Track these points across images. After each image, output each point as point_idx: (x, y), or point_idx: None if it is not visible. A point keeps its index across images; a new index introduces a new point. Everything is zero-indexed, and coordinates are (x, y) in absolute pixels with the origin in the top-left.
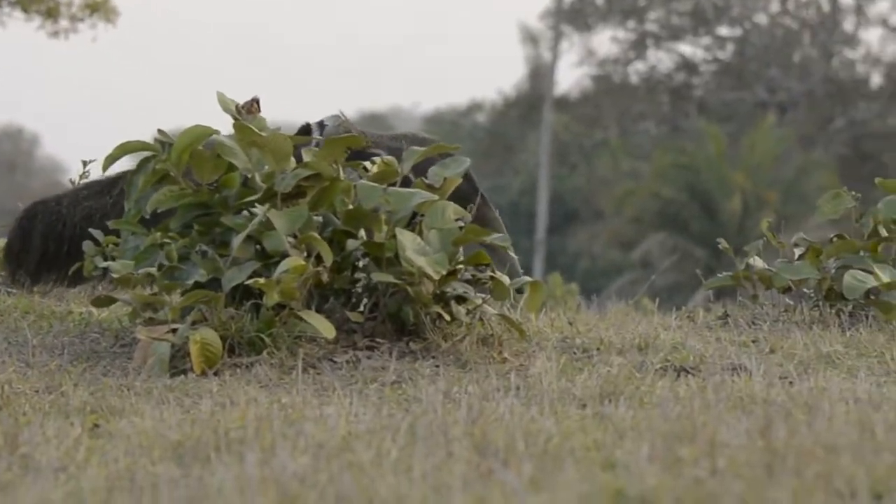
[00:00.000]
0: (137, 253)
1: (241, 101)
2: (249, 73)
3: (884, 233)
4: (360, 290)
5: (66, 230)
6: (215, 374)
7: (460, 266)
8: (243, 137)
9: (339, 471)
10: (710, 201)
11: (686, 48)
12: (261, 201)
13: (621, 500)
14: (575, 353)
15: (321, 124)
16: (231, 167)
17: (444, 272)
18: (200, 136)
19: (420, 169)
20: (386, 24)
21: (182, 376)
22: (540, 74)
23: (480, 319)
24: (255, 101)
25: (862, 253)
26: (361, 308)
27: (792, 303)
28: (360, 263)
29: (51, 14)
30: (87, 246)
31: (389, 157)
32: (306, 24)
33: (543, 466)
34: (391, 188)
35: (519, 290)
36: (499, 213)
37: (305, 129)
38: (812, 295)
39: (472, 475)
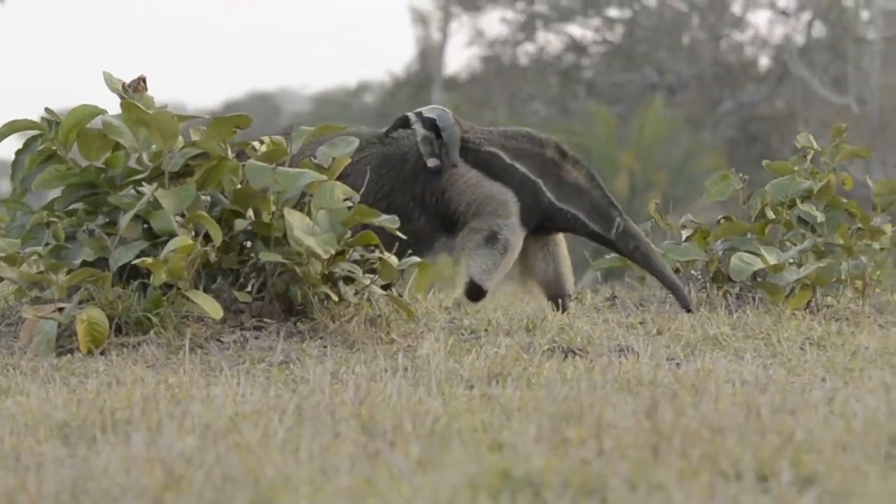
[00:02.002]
0: (24, 232)
1: (128, 80)
2: (136, 53)
3: (771, 215)
4: (248, 269)
5: None
6: (102, 353)
7: (348, 246)
8: (131, 116)
9: (225, 451)
10: None
11: (575, 29)
12: (148, 180)
13: (508, 481)
14: (463, 334)
15: (420, 115)
16: (118, 146)
17: (333, 252)
18: (88, 116)
19: None
20: (274, 4)
21: (68, 355)
22: (429, 55)
23: (368, 300)
24: (142, 79)
25: (749, 235)
26: (249, 288)
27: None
28: (249, 243)
29: None
30: None
31: (279, 138)
32: (195, 4)
33: (431, 447)
34: (280, 168)
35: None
36: None
37: (403, 121)
38: (699, 277)
39: (359, 456)
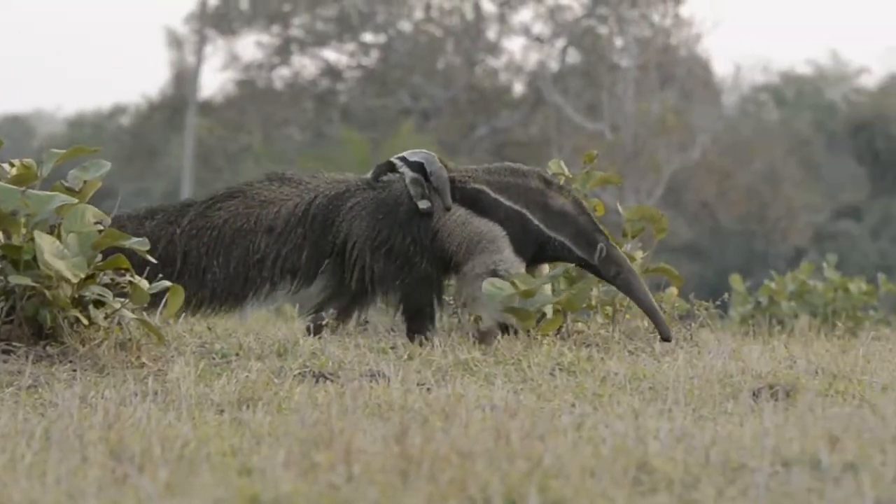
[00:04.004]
0: None
1: None
2: None
3: None
4: None
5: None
6: None
7: (99, 270)
8: None
9: None
10: None
11: (331, 54)
12: None
13: None
14: (214, 359)
15: (405, 160)
16: None
17: (83, 276)
18: None
19: None
20: (26, 25)
21: None
22: (184, 78)
23: (119, 324)
24: None
25: None
26: None
27: None
28: None
29: None
30: None
31: (29, 161)
32: None
33: (179, 472)
34: (30, 191)
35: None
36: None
37: (389, 166)
38: (451, 302)
39: (107, 480)
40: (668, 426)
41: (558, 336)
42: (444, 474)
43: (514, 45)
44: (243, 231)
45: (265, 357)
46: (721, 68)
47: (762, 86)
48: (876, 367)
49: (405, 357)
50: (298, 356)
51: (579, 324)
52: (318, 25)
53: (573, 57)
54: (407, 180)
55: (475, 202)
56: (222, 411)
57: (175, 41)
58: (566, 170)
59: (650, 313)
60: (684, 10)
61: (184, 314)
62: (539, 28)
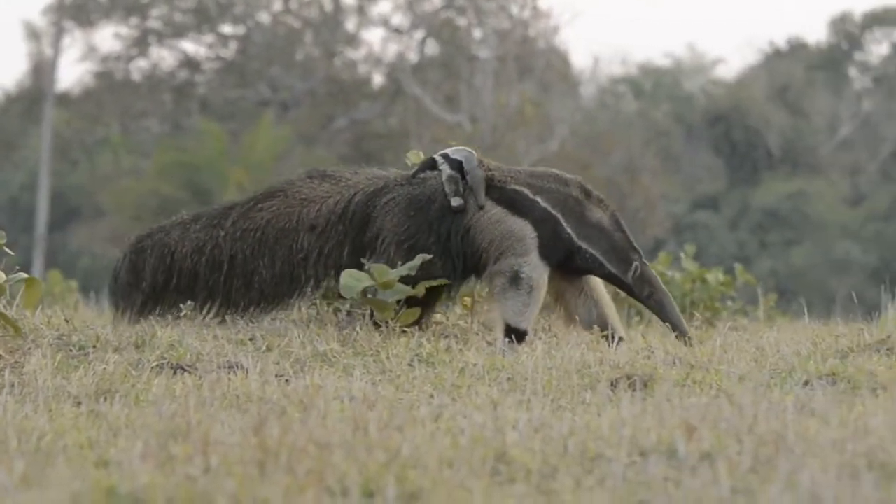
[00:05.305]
0: None
1: None
2: None
3: None
4: None
5: (175, 262)
6: None
7: None
8: None
9: None
10: (210, 197)
11: (189, 46)
12: None
13: (113, 498)
14: (72, 351)
15: (446, 157)
16: None
17: None
18: None
19: None
20: None
21: None
22: (42, 70)
23: None
24: None
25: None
26: None
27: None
28: None
29: None
30: None
31: None
32: None
33: (36, 464)
34: None
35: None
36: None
37: (431, 163)
38: (310, 293)
39: None
40: (526, 417)
41: (417, 327)
42: (302, 465)
43: (373, 36)
44: (286, 230)
45: (123, 349)
46: (579, 60)
47: (620, 78)
48: (733, 357)
49: (263, 348)
50: (156, 348)
51: (438, 315)
52: (176, 17)
53: (432, 48)
54: (444, 177)
55: (512, 202)
56: (79, 403)
57: (33, 33)
58: None
59: (680, 335)
60: (543, 2)
61: (234, 316)
62: (398, 19)
